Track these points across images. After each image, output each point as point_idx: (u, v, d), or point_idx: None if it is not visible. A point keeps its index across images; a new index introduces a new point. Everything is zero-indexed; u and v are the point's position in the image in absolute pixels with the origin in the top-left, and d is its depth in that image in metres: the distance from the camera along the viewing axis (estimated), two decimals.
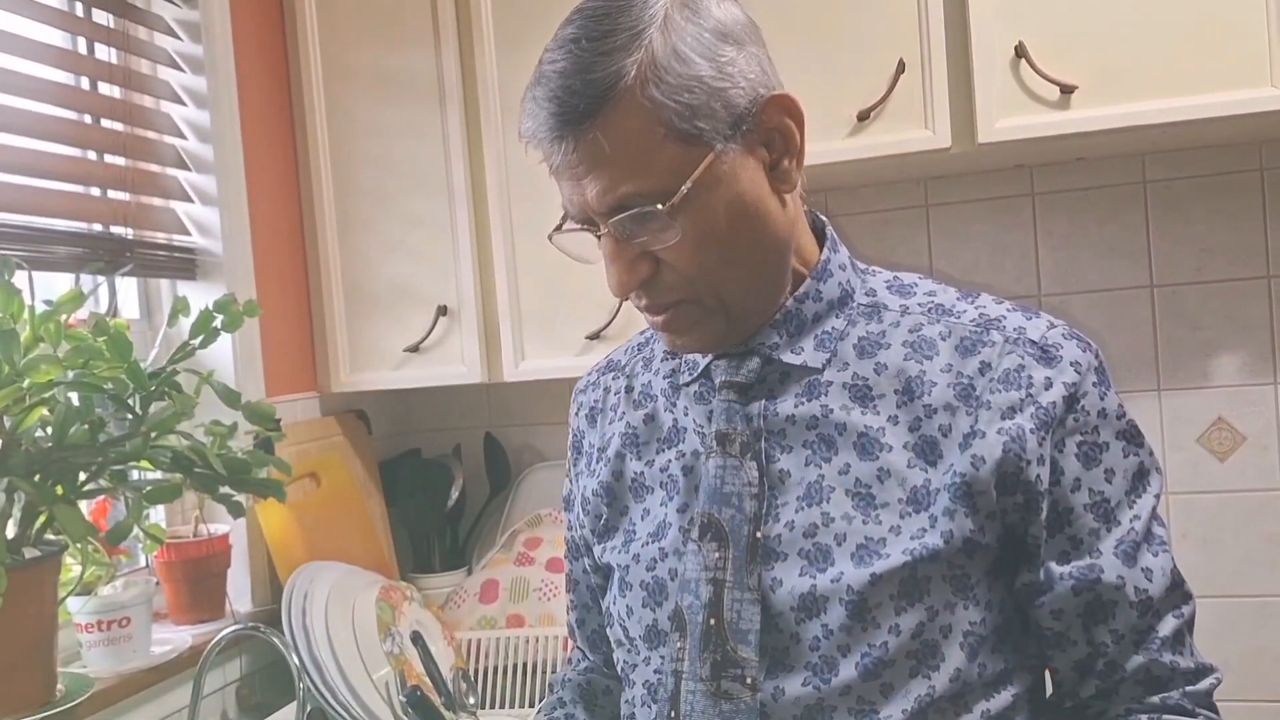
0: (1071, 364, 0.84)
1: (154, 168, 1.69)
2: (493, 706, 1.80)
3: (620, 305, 1.75)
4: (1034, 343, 0.85)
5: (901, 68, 1.60)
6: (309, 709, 1.48)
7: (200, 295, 1.66)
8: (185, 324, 1.33)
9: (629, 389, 1.01)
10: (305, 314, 1.94)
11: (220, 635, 1.38)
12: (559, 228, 0.90)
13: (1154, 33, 1.53)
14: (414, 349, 1.88)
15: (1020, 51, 1.56)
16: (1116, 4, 1.54)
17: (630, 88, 0.78)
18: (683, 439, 0.94)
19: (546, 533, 2.02)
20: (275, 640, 1.41)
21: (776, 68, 0.87)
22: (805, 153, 0.86)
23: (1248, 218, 1.86)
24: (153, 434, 1.20)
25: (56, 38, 1.57)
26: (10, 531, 1.18)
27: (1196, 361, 1.89)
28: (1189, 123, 1.54)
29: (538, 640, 1.84)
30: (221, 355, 1.67)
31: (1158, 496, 0.89)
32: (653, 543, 0.93)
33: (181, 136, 1.74)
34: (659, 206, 0.79)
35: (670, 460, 0.94)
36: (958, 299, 0.91)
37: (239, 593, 1.71)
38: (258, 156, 1.82)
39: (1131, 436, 0.87)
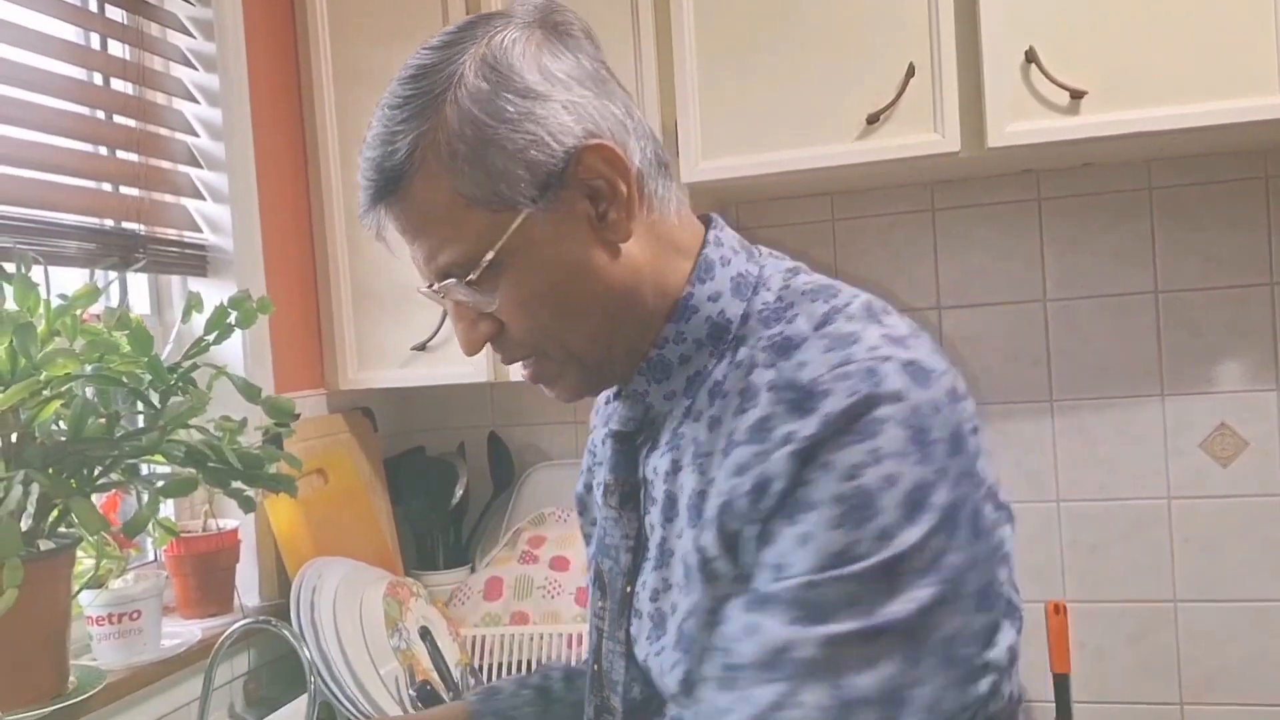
0: (820, 417, 0.70)
1: (166, 164, 1.70)
2: None
3: None
4: (797, 386, 0.73)
5: (911, 71, 1.61)
6: (318, 703, 1.49)
7: (210, 292, 1.66)
8: (198, 320, 1.34)
9: (602, 411, 1.02)
10: (313, 312, 1.95)
11: (232, 629, 1.39)
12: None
13: (1164, 39, 1.54)
14: (421, 347, 1.89)
15: (1030, 56, 1.57)
16: (1127, 10, 1.55)
17: (425, 160, 0.77)
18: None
19: (550, 531, 2.03)
20: (287, 634, 1.42)
21: (622, 110, 0.82)
22: (637, 199, 0.80)
23: (1253, 225, 1.87)
24: (168, 428, 1.21)
25: (70, 33, 1.58)
26: (24, 524, 1.19)
27: (1200, 367, 1.90)
28: (1197, 129, 1.55)
29: (542, 637, 1.85)
30: (232, 352, 1.67)
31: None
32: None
33: (193, 134, 1.75)
34: (469, 277, 0.79)
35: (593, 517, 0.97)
36: (814, 327, 0.77)
37: (247, 587, 1.71)
38: (268, 155, 1.83)
39: (859, 504, 0.69)
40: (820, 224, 2.05)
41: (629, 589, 0.87)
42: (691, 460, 0.80)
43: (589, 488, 1.01)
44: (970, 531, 0.71)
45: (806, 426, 0.70)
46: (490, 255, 0.78)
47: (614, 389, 0.90)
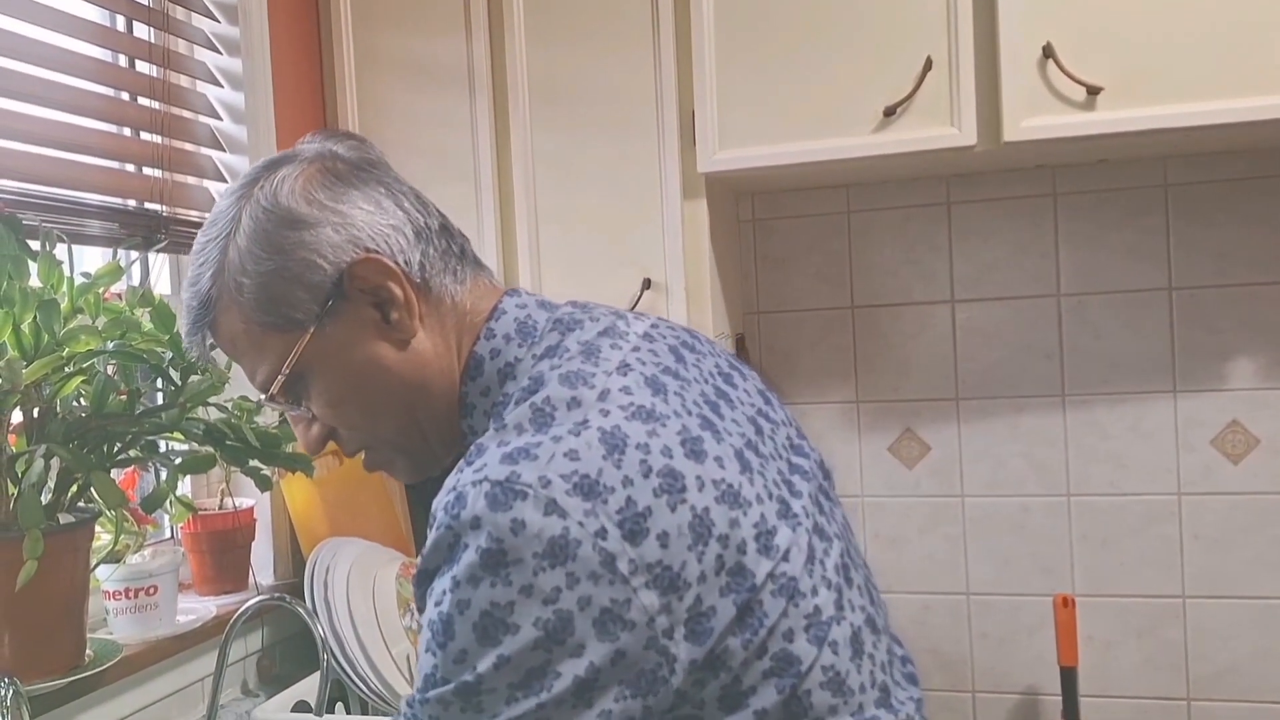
0: (428, 545, 0.76)
1: (189, 147, 1.71)
2: None
3: (640, 296, 1.77)
4: (434, 510, 0.77)
5: (929, 65, 1.62)
6: (330, 680, 1.51)
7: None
8: None
9: None
10: None
11: (247, 605, 1.41)
12: None
13: (1181, 37, 1.54)
14: None
15: (1048, 52, 1.57)
16: (1144, 7, 1.55)
17: (219, 297, 0.88)
18: None
19: None
20: (301, 612, 1.44)
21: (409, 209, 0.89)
22: (415, 297, 0.87)
23: (1267, 223, 1.87)
24: (188, 406, 1.23)
25: (96, 14, 1.60)
26: (45, 498, 1.21)
27: (1212, 364, 1.90)
28: (1212, 127, 1.55)
29: None
30: None
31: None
32: None
33: (216, 117, 1.76)
34: (267, 395, 0.89)
35: None
36: (501, 434, 0.79)
37: (262, 565, 1.74)
38: (290, 139, 1.84)
39: (440, 630, 0.74)
40: (835, 216, 2.06)
41: None
42: None
43: None
44: (596, 632, 0.71)
45: (424, 555, 0.77)
46: (286, 371, 0.87)
47: None
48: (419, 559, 0.79)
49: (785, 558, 0.78)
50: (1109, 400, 1.95)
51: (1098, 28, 1.56)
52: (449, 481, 0.78)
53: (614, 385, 0.81)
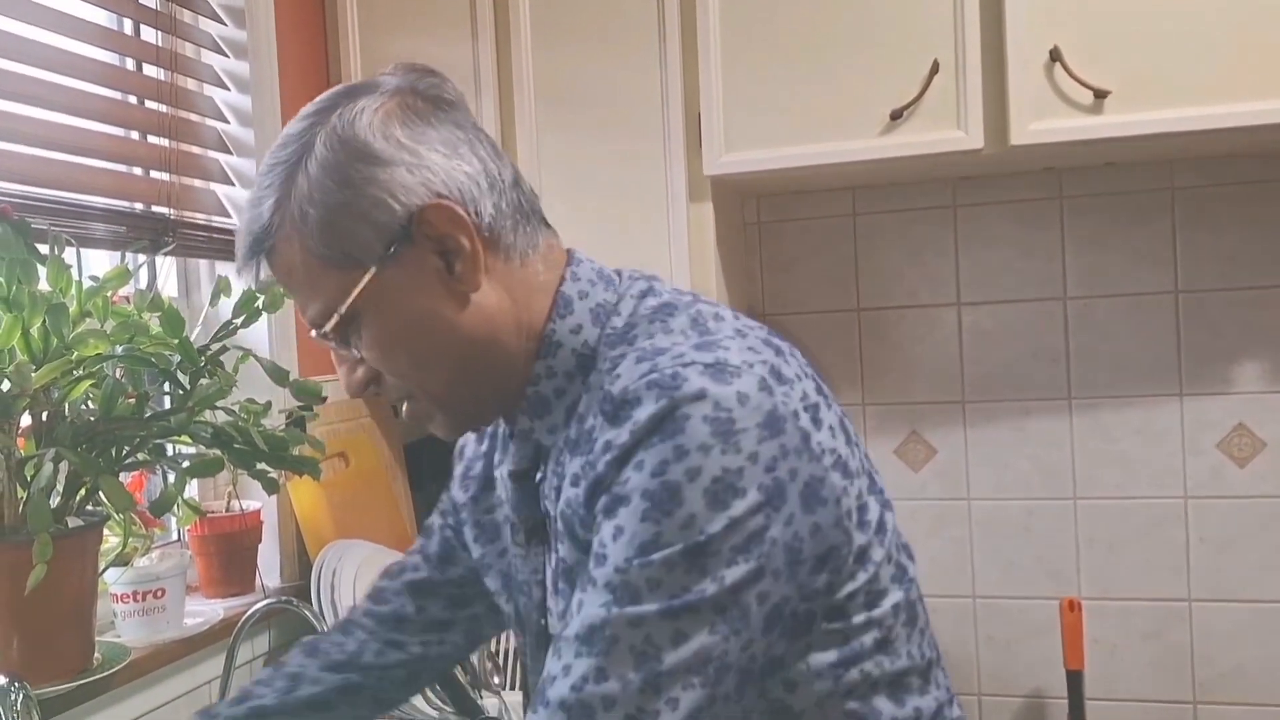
0: (630, 424, 0.77)
1: (196, 150, 1.72)
2: (514, 688, 1.83)
3: None
4: (612, 398, 0.80)
5: (936, 68, 1.62)
6: None
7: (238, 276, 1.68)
8: (225, 304, 1.36)
9: (492, 452, 1.04)
10: None
11: (254, 608, 1.41)
12: None
13: (1188, 40, 1.54)
14: None
15: (1055, 55, 1.57)
16: (1152, 10, 1.55)
17: (281, 225, 0.85)
18: (500, 529, 1.01)
19: None
20: (308, 615, 1.44)
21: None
22: (483, 252, 0.85)
23: (1274, 227, 1.87)
24: (196, 409, 1.23)
25: (104, 18, 1.60)
26: (53, 502, 1.22)
27: (1219, 368, 1.90)
28: (1219, 131, 1.55)
29: None
30: (258, 336, 1.69)
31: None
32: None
33: (223, 120, 1.77)
34: (319, 330, 0.87)
35: (497, 551, 1.02)
36: (641, 345, 0.84)
37: (268, 568, 1.74)
38: None
39: (665, 498, 0.75)
40: (841, 219, 2.06)
41: (543, 622, 0.93)
42: (567, 486, 0.86)
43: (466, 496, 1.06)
44: (802, 504, 0.78)
45: (620, 434, 0.77)
46: (342, 310, 0.85)
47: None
48: (611, 435, 0.78)
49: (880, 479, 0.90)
50: (1115, 403, 1.95)
51: (1105, 31, 1.56)
52: (627, 372, 0.80)
53: (736, 313, 0.89)
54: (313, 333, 0.89)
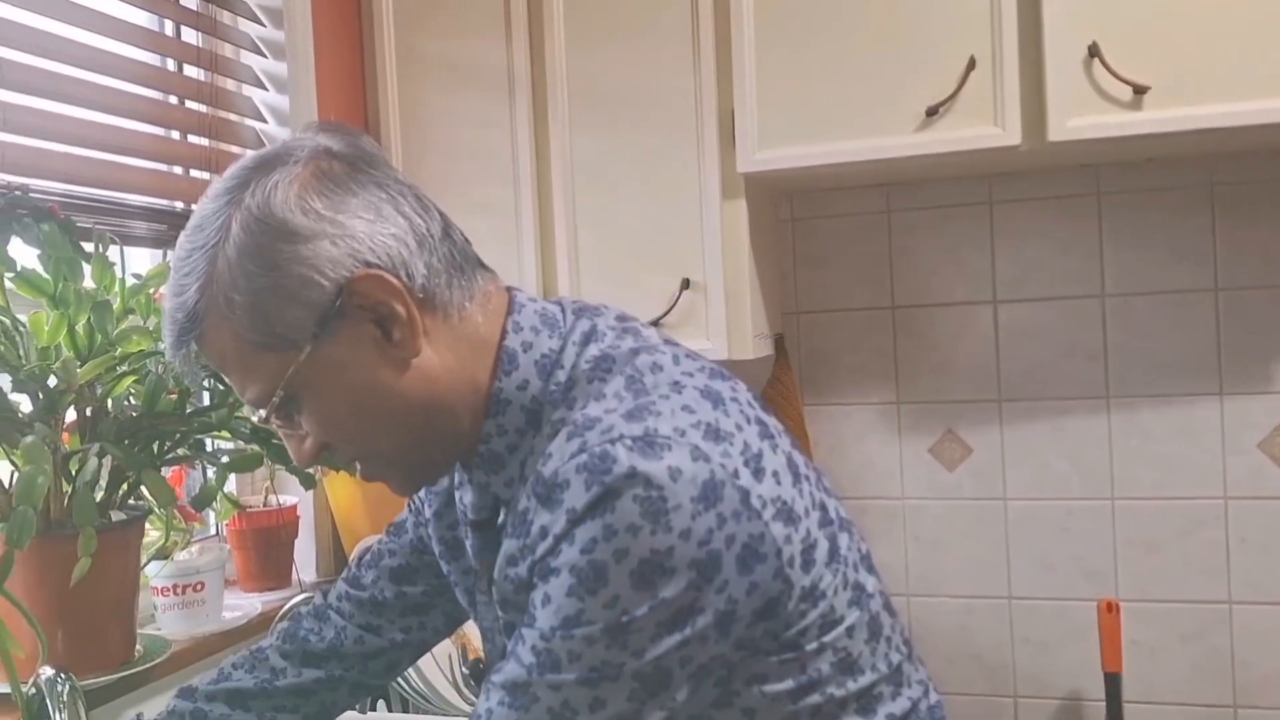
0: (563, 509, 0.76)
1: (235, 149, 1.74)
2: None
3: (680, 294, 1.77)
4: (544, 480, 0.78)
5: (972, 64, 1.61)
6: None
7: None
8: None
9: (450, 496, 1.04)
10: None
11: (292, 602, 1.42)
12: None
13: (1228, 35, 1.51)
14: None
15: (1094, 50, 1.55)
16: (1192, 5, 1.53)
17: (207, 312, 0.82)
18: (462, 545, 1.00)
19: None
20: None
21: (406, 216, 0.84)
22: (419, 315, 0.83)
23: None
24: (236, 405, 1.24)
25: (145, 19, 1.62)
26: (96, 496, 1.23)
27: (1260, 366, 1.87)
28: (1260, 126, 1.53)
29: None
30: None
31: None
32: None
33: (262, 120, 1.79)
34: (260, 413, 0.84)
35: (461, 569, 1.01)
36: (587, 417, 0.80)
37: (304, 562, 1.75)
38: None
39: (591, 577, 0.75)
40: (875, 215, 2.05)
41: None
42: (502, 563, 0.86)
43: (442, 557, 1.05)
44: (739, 567, 0.77)
45: (555, 521, 0.77)
46: (280, 393, 0.83)
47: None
48: (537, 515, 0.78)
49: (834, 500, 0.90)
50: (1154, 402, 1.92)
51: (1144, 26, 1.54)
52: (558, 451, 0.78)
53: (678, 352, 0.88)
54: (254, 416, 0.87)
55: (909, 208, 2.02)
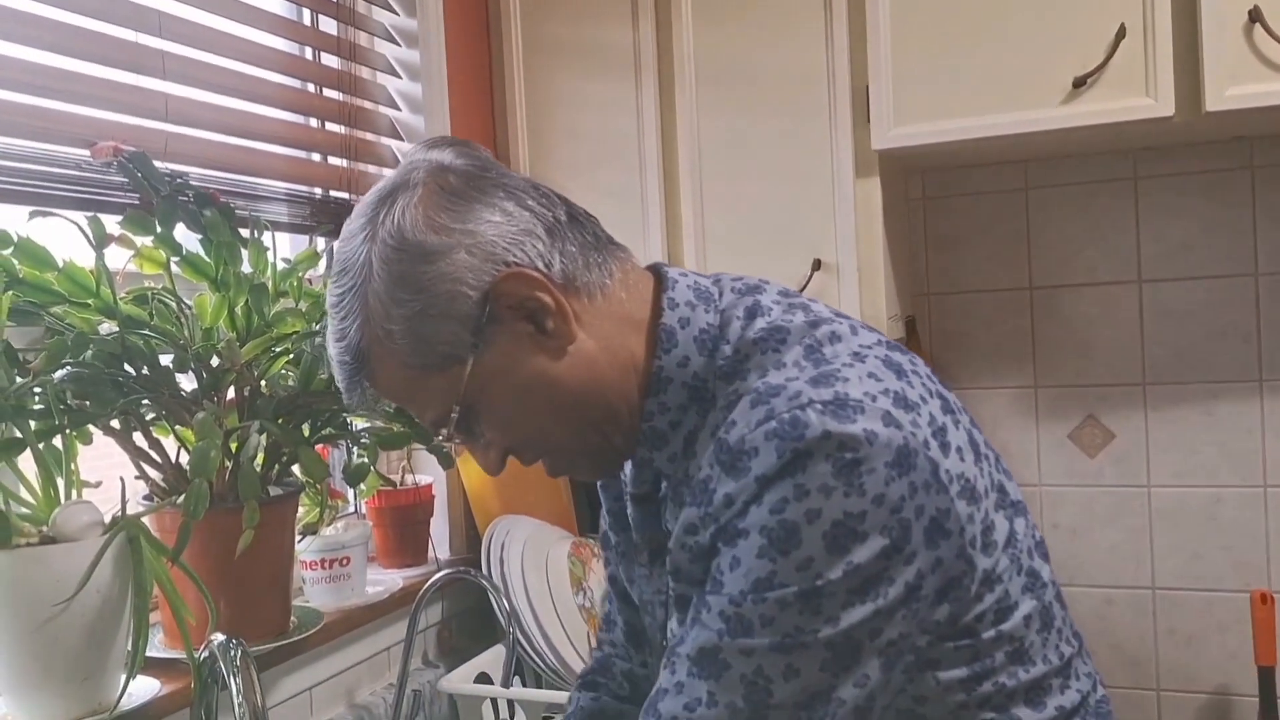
0: (751, 476, 0.76)
1: (370, 136, 1.78)
2: None
3: (811, 276, 1.75)
4: (729, 448, 0.78)
5: (1122, 32, 1.54)
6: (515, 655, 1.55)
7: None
8: None
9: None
10: None
11: (436, 577, 1.45)
12: None
13: None
14: None
15: (1254, 15, 1.48)
16: None
17: (371, 349, 0.84)
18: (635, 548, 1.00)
19: None
20: (486, 586, 1.48)
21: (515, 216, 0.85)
22: (566, 302, 0.84)
23: None
24: None
25: (284, 9, 1.67)
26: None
27: None
28: None
29: None
30: None
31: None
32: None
33: (395, 108, 1.82)
34: (443, 432, 0.86)
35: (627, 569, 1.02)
36: (754, 380, 0.81)
37: (438, 540, 1.79)
38: (463, 129, 1.89)
39: (781, 538, 0.74)
40: (1013, 193, 1.99)
41: (664, 641, 0.93)
42: (680, 531, 0.85)
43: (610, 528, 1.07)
44: (926, 540, 0.75)
45: (744, 490, 0.76)
46: (457, 409, 0.85)
47: None
48: (721, 483, 0.77)
49: (1013, 482, 0.88)
50: None
51: None
52: (742, 418, 0.77)
53: (854, 324, 0.87)
54: (437, 438, 0.90)
55: (1049, 184, 1.96)
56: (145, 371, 1.15)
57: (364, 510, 1.73)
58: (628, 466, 0.96)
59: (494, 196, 0.84)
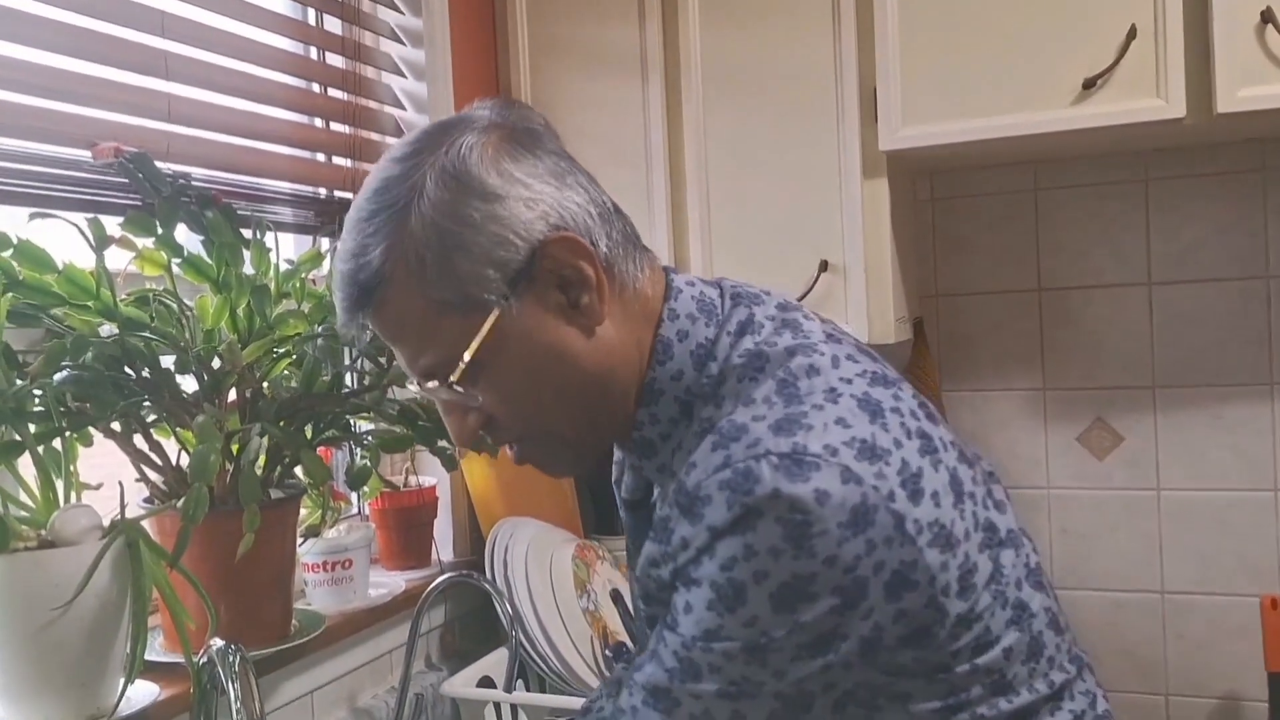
0: (704, 524, 0.74)
1: (375, 136, 1.77)
2: None
3: (818, 277, 1.73)
4: (686, 491, 0.76)
5: (1133, 33, 1.52)
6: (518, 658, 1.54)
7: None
8: None
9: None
10: None
11: (437, 580, 1.44)
12: None
13: None
14: None
15: (1267, 16, 1.46)
16: None
17: (393, 272, 0.80)
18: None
19: None
20: (489, 589, 1.47)
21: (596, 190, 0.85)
22: (607, 282, 0.83)
23: None
24: (389, 387, 1.26)
25: (287, 8, 1.66)
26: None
27: None
28: None
29: None
30: None
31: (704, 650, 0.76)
32: None
33: (400, 107, 1.81)
34: (450, 379, 0.81)
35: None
36: (734, 425, 0.78)
37: (442, 542, 1.78)
38: None
39: (730, 594, 0.73)
40: (1022, 194, 1.97)
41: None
42: (644, 563, 0.84)
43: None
44: (886, 594, 0.74)
45: (697, 536, 0.75)
46: (467, 357, 0.81)
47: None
48: (679, 525, 0.76)
49: (1006, 513, 0.85)
50: None
51: None
52: (702, 461, 0.76)
53: (838, 353, 0.83)
54: (424, 385, 0.84)
55: (1058, 185, 1.94)
56: (146, 374, 1.14)
57: (367, 512, 1.72)
58: (625, 474, 0.95)
59: (555, 162, 0.84)
